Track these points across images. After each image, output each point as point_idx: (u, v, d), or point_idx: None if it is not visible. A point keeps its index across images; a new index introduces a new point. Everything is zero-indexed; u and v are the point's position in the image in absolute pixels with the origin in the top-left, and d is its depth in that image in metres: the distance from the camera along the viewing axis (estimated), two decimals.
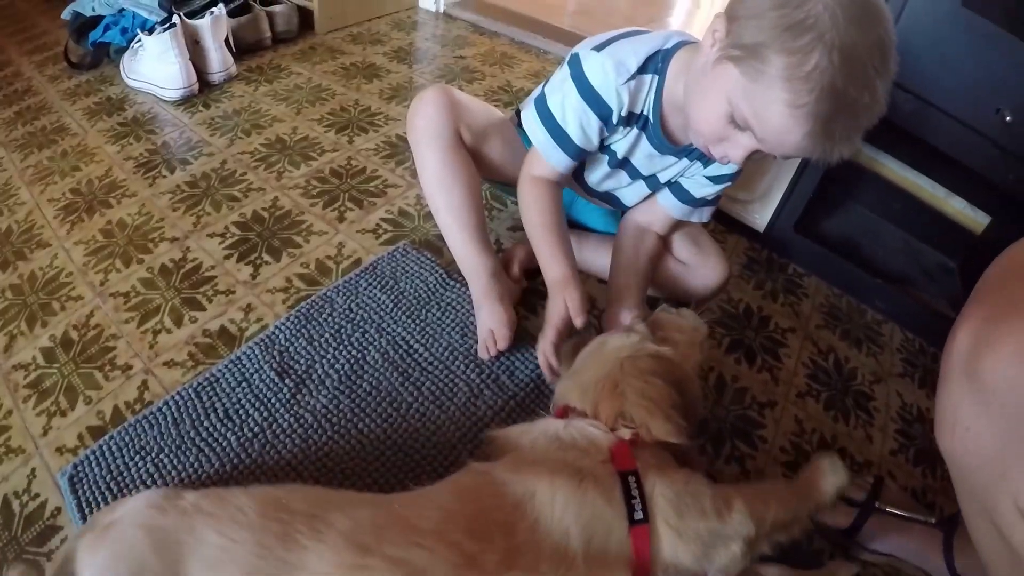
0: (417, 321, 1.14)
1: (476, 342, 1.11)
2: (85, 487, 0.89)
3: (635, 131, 1.02)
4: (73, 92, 2.00)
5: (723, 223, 1.53)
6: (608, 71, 0.94)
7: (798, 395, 1.17)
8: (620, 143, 1.04)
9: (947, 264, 1.47)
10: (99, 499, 0.88)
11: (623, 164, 1.09)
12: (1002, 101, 1.03)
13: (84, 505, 0.87)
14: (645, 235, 1.15)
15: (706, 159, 1.03)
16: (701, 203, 1.12)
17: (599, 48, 0.96)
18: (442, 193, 1.11)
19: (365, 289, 1.19)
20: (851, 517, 0.90)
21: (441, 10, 2.57)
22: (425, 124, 1.10)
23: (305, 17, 2.31)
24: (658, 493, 0.67)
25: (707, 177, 1.07)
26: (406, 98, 1.94)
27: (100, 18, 2.17)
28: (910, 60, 1.10)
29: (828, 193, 1.47)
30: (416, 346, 1.09)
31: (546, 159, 1.04)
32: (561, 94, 1.00)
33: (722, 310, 1.32)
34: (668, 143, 1.02)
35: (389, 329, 1.12)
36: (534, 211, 1.05)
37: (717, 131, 0.85)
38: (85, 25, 2.20)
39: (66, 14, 2.29)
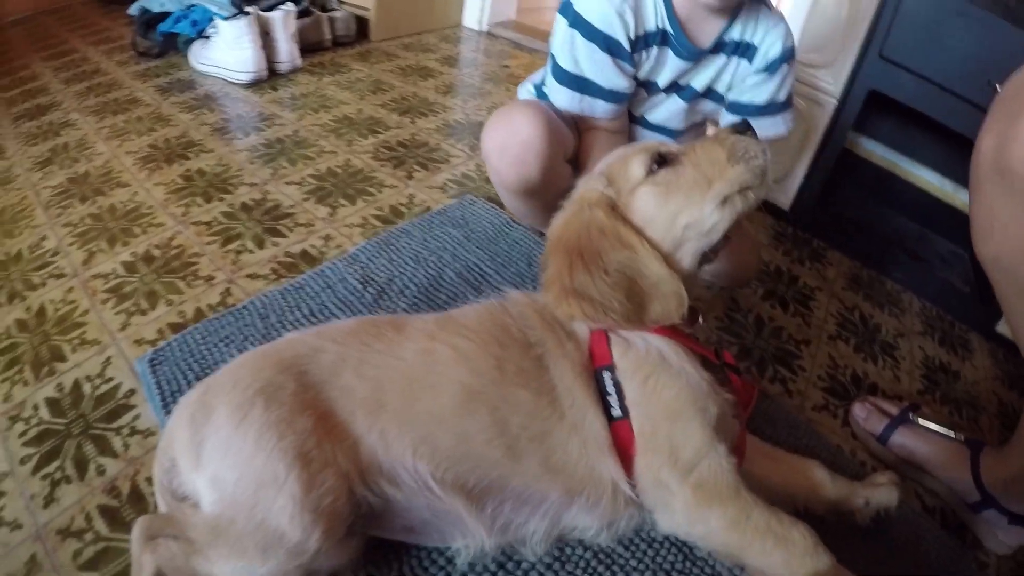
0: (487, 251, 1.23)
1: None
2: (166, 369, 0.95)
3: (655, 50, 1.01)
4: (142, 75, 2.14)
5: None
6: (601, 1, 0.94)
7: (829, 337, 1.26)
8: (644, 67, 1.03)
9: (958, 251, 1.55)
10: (180, 379, 0.93)
11: (646, 86, 1.07)
12: (992, 74, 1.13)
13: (164, 384, 0.93)
14: None
15: (750, 50, 1.01)
16: (772, 109, 1.05)
17: None
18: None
19: (438, 225, 1.29)
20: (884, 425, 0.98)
21: (484, 28, 2.77)
22: (545, 178, 1.01)
23: (361, 25, 2.49)
24: (631, 400, 0.72)
25: (758, 71, 1.03)
26: (459, 93, 2.09)
27: (167, 13, 2.38)
28: (911, 42, 1.24)
29: (845, 185, 1.58)
30: (488, 271, 1.18)
31: (584, 113, 1.03)
32: (569, 46, 0.99)
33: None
34: (695, 47, 1.00)
35: (462, 256, 1.22)
36: (589, 167, 1.00)
37: None
38: (152, 19, 2.40)
39: (133, 10, 2.48)
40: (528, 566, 0.75)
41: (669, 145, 0.81)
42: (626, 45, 0.97)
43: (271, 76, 2.08)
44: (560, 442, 0.70)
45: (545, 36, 2.67)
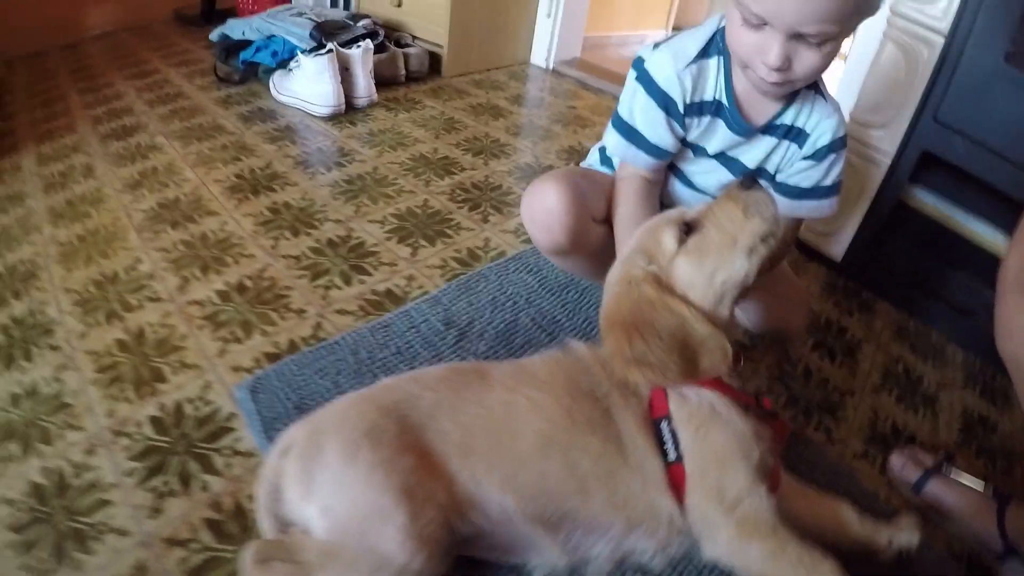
0: (560, 298, 1.34)
1: None
2: (265, 396, 1.06)
3: (708, 118, 1.08)
4: (224, 101, 2.30)
5: (804, 253, 1.72)
6: (668, 62, 1.04)
7: (873, 389, 1.33)
8: (693, 132, 1.10)
9: None
10: (278, 407, 1.04)
11: (693, 148, 1.14)
12: None
13: (263, 411, 1.03)
14: None
15: (800, 136, 1.08)
16: (817, 193, 1.12)
17: (658, 45, 1.07)
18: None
19: (514, 271, 1.40)
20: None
21: (551, 67, 2.90)
22: (572, 241, 1.14)
23: (434, 61, 2.64)
24: (685, 447, 0.82)
25: (806, 157, 1.09)
26: (528, 135, 2.21)
27: (247, 41, 2.53)
28: (963, 108, 1.31)
29: (898, 236, 1.63)
30: (560, 317, 1.29)
31: (626, 161, 1.13)
32: (631, 97, 1.09)
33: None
34: (747, 124, 1.07)
35: (536, 302, 1.33)
36: (619, 206, 1.14)
37: (746, 42, 0.93)
38: (232, 46, 2.56)
39: (214, 36, 2.65)
40: None
41: (688, 211, 0.91)
42: (680, 107, 1.06)
43: (349, 110, 2.22)
44: (624, 481, 0.81)
45: (609, 75, 2.79)
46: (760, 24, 0.89)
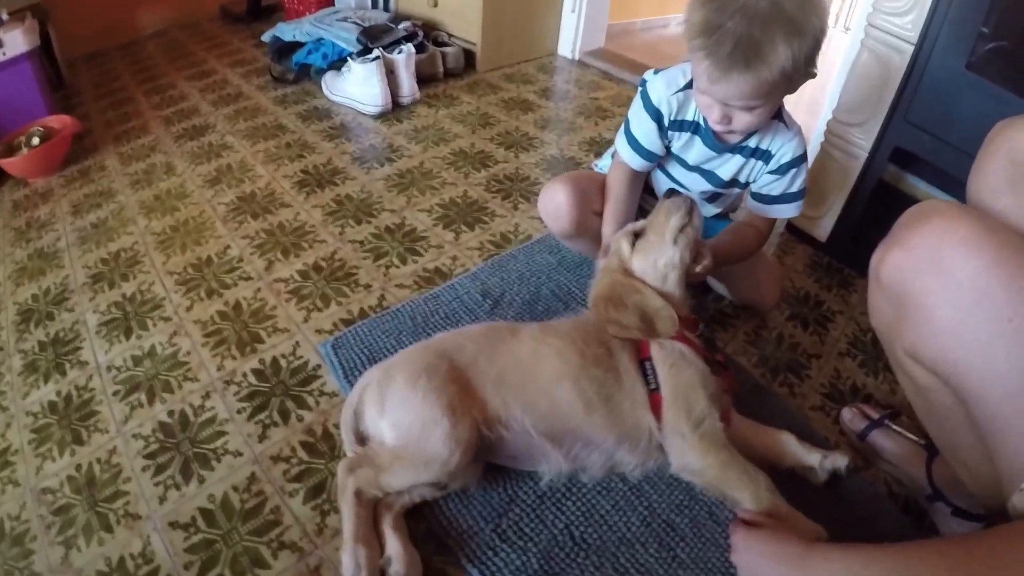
0: (574, 274, 1.70)
1: None
2: (344, 351, 1.42)
3: (688, 135, 1.36)
4: (282, 101, 2.69)
5: (794, 235, 1.95)
6: (661, 86, 1.33)
7: (839, 354, 1.54)
8: (675, 144, 1.39)
9: None
10: (355, 359, 1.39)
11: (676, 158, 1.43)
12: None
13: (344, 362, 1.39)
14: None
15: (766, 155, 1.34)
16: (785, 199, 1.38)
17: (658, 71, 1.35)
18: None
19: (538, 252, 1.77)
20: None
21: (576, 58, 3.19)
22: (576, 230, 1.52)
23: (468, 57, 2.98)
24: (662, 379, 1.14)
25: (771, 172, 1.35)
26: (554, 128, 2.55)
27: (298, 43, 2.92)
28: (929, 109, 1.56)
29: (890, 219, 1.79)
30: (574, 291, 1.65)
31: (624, 158, 1.42)
32: (634, 110, 1.38)
33: (787, 293, 1.71)
34: (719, 143, 1.33)
35: (556, 277, 1.69)
36: (610, 189, 1.48)
37: (698, 100, 1.25)
38: (284, 48, 2.94)
39: (266, 37, 3.03)
40: (586, 489, 1.18)
41: (638, 224, 1.30)
42: (666, 122, 1.35)
43: (395, 108, 2.59)
44: (619, 402, 1.13)
45: (630, 64, 3.10)
46: (703, 91, 1.18)
